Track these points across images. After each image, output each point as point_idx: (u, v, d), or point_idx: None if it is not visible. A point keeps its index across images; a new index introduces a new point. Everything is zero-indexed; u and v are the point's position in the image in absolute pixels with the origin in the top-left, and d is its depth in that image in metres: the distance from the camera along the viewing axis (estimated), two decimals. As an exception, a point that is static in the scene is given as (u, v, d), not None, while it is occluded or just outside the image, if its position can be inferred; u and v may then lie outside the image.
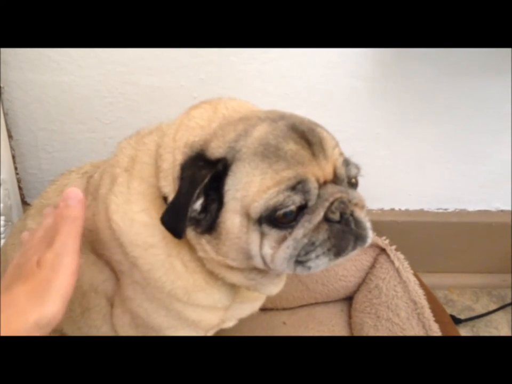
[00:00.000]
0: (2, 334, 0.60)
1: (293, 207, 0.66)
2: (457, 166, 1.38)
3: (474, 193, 1.43)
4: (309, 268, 0.69)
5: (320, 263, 0.68)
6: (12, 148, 1.24)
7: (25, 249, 0.75)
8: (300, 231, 0.67)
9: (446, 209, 1.45)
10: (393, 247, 1.18)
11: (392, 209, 1.44)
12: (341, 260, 0.70)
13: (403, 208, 1.45)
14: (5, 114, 1.18)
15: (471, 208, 1.45)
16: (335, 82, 1.20)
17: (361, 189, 0.76)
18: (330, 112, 1.24)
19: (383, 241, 1.18)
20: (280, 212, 0.66)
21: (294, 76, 1.18)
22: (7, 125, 1.20)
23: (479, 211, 1.45)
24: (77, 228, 0.70)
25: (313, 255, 0.68)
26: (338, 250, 0.68)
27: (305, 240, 0.67)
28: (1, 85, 1.14)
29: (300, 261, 0.68)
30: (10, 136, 1.22)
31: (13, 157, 1.25)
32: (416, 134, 1.31)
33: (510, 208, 1.45)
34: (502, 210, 1.46)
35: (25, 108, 1.19)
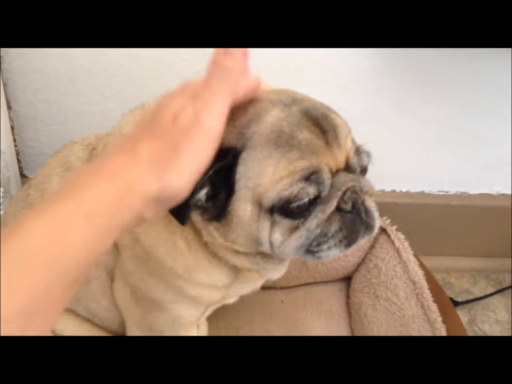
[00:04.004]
0: (115, 213, 0.50)
1: (306, 200, 0.65)
2: (460, 149, 1.37)
3: (476, 176, 1.42)
4: (319, 257, 0.69)
5: (330, 254, 0.69)
6: (10, 119, 1.22)
7: (161, 102, 0.60)
8: (313, 222, 0.67)
9: (447, 192, 1.45)
10: (394, 227, 1.17)
11: (393, 191, 1.44)
12: (350, 250, 0.70)
13: (404, 190, 1.44)
14: (4, 85, 1.17)
15: (472, 191, 1.45)
16: (339, 60, 1.19)
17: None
18: (334, 91, 1.23)
19: (384, 221, 1.17)
20: (294, 205, 0.65)
21: (298, 52, 1.17)
22: (6, 95, 1.18)
23: (480, 194, 1.45)
24: (230, 83, 0.58)
25: (325, 246, 0.68)
26: (349, 241, 0.69)
27: (318, 231, 0.67)
28: (1, 54, 1.12)
29: (310, 250, 0.69)
30: (9, 107, 1.21)
31: (12, 128, 1.23)
32: (420, 115, 1.30)
33: (511, 192, 1.45)
34: (503, 194, 1.45)
35: (25, 78, 1.17)
